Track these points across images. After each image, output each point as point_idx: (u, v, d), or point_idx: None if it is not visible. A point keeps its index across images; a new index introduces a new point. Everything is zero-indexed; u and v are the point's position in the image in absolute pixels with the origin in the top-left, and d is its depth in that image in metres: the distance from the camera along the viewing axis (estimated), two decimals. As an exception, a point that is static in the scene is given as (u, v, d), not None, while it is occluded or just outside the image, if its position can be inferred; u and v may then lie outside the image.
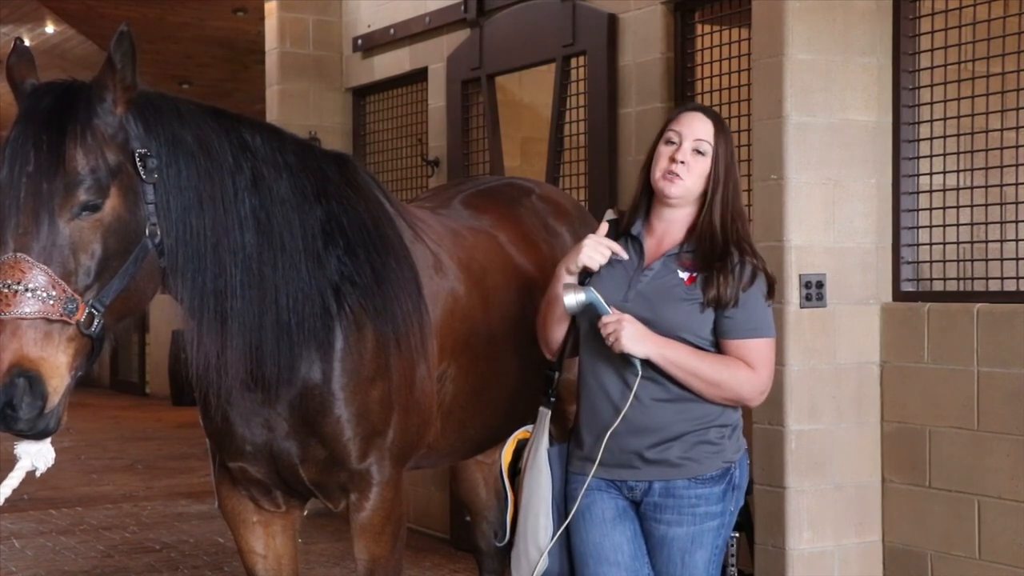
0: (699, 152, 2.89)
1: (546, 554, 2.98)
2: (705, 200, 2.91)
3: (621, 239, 2.99)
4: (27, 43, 2.91)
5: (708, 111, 3.00)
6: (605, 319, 2.84)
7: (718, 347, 2.89)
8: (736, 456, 2.95)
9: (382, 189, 3.42)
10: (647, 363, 2.83)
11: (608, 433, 2.87)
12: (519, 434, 3.17)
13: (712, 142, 2.90)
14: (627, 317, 2.82)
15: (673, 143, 2.91)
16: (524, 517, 3.03)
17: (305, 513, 3.45)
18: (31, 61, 2.78)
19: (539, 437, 3.06)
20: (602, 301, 2.86)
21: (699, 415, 2.87)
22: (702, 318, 2.86)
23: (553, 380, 3.10)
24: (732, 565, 4.20)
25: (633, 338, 2.80)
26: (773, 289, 2.93)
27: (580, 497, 2.93)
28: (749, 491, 4.32)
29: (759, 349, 2.86)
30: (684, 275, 2.88)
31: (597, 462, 2.89)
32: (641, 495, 2.92)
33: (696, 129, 2.90)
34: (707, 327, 2.87)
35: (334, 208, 3.13)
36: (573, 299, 2.87)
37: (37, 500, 7.74)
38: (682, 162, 2.88)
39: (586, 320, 2.95)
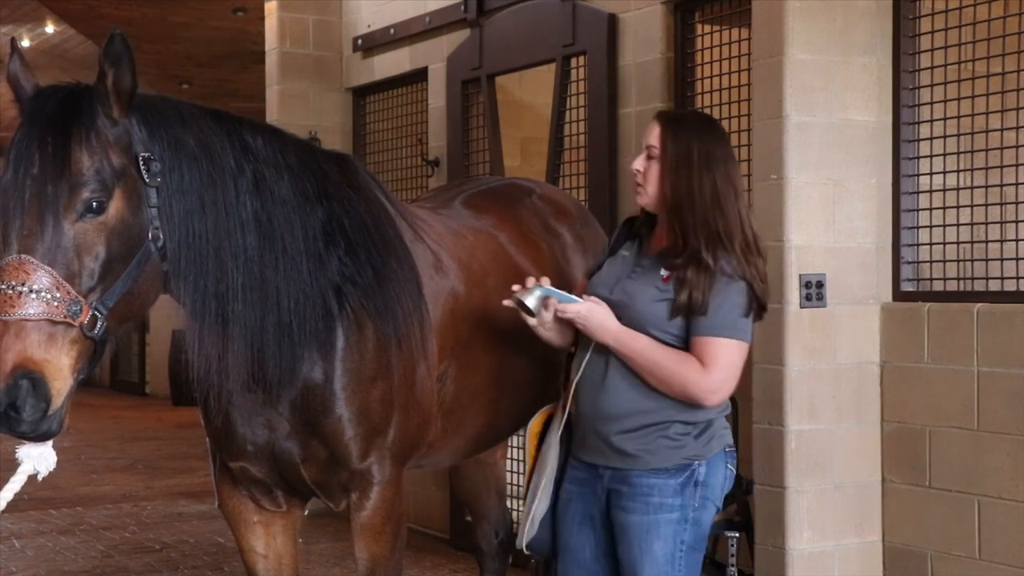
0: (651, 158, 2.97)
1: (538, 524, 3.16)
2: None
3: (633, 240, 3.12)
4: (26, 43, 2.92)
5: (662, 114, 3.07)
6: (565, 305, 2.95)
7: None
8: (704, 454, 2.96)
9: (383, 189, 3.43)
10: (605, 350, 2.95)
11: (568, 403, 3.04)
12: (548, 409, 3.27)
13: (659, 144, 2.96)
14: (591, 306, 2.95)
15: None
16: (533, 487, 3.18)
17: (306, 513, 3.45)
18: (27, 63, 2.79)
19: (558, 416, 3.16)
20: (556, 291, 3.01)
21: (661, 409, 2.92)
22: (671, 315, 2.91)
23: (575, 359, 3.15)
24: (732, 565, 4.22)
25: (598, 327, 2.93)
26: (758, 297, 2.91)
27: (564, 482, 3.12)
28: (749, 491, 4.35)
29: (715, 348, 2.87)
30: (664, 273, 2.95)
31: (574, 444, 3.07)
32: (608, 481, 3.01)
33: (648, 136, 3.00)
34: (676, 324, 2.92)
35: (335, 208, 3.13)
36: (531, 299, 3.00)
37: (37, 500, 7.74)
38: (638, 171, 3.00)
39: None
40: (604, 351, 2.97)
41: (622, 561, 3.00)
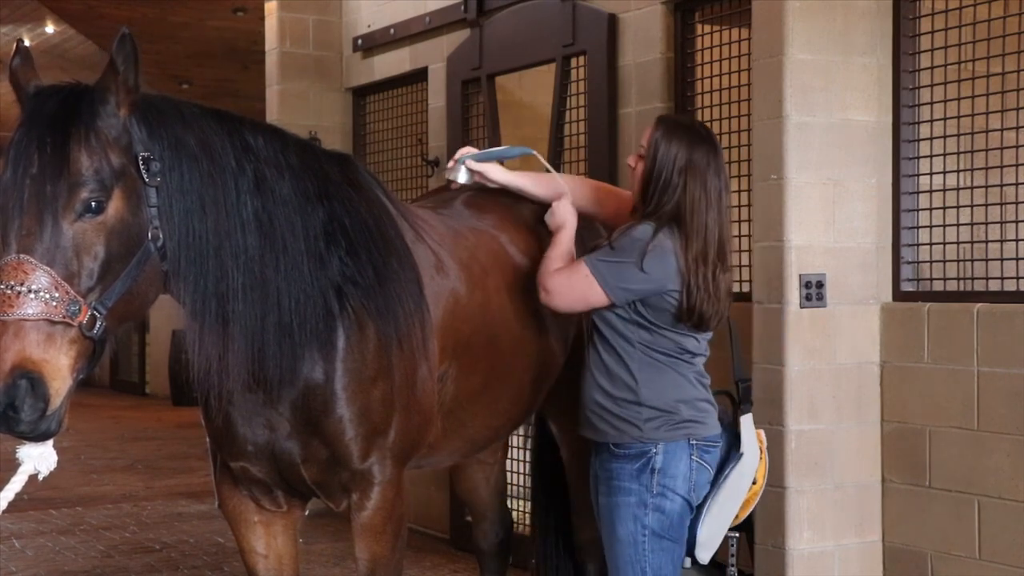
0: (641, 157, 3.24)
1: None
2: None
3: None
4: (27, 44, 2.92)
5: (661, 118, 3.33)
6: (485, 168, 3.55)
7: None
8: (656, 439, 3.14)
9: (383, 189, 3.42)
10: (590, 330, 3.25)
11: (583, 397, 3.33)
12: None
13: (646, 143, 3.22)
14: (565, 203, 3.43)
15: None
16: None
17: (306, 513, 3.45)
18: (32, 63, 2.79)
19: None
20: (492, 151, 3.63)
21: (611, 389, 3.18)
22: None
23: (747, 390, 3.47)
24: (732, 565, 4.21)
25: (557, 212, 3.42)
26: (691, 304, 3.12)
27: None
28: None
29: (572, 264, 3.26)
30: None
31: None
32: (594, 466, 3.30)
33: (643, 136, 3.27)
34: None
35: (336, 208, 3.13)
36: (461, 175, 3.55)
37: (37, 500, 7.74)
38: (631, 166, 3.29)
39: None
40: (593, 338, 3.25)
41: (603, 540, 3.27)
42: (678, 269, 3.09)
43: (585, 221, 4.24)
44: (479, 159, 3.56)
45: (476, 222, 3.75)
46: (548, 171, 3.64)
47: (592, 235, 4.15)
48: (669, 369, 3.16)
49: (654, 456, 3.14)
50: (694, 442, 3.17)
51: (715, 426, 3.24)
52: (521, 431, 5.39)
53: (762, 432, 3.44)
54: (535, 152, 3.72)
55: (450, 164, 3.60)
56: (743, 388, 3.43)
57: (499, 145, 5.91)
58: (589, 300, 3.16)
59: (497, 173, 3.60)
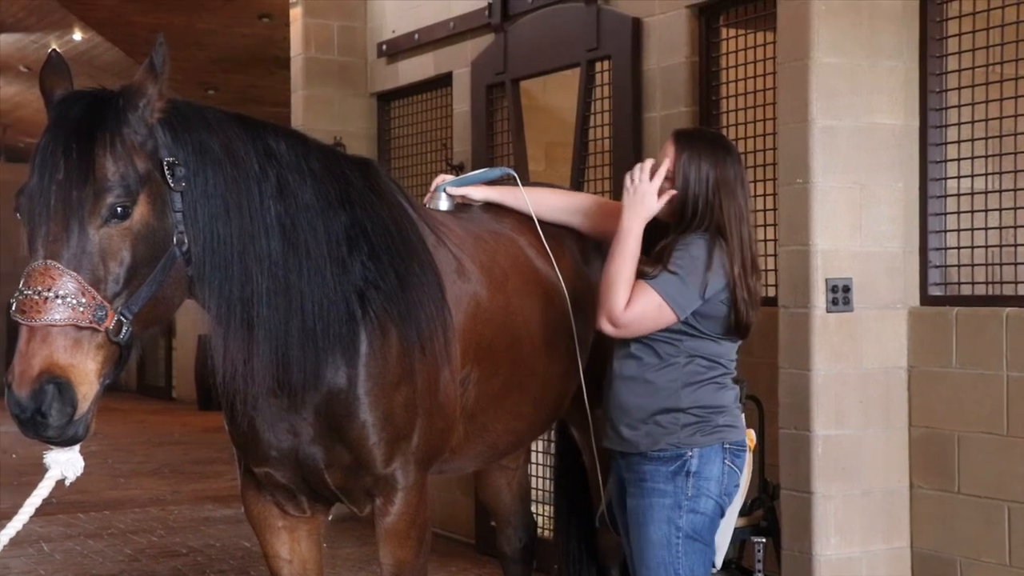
0: (668, 178, 3.20)
1: (604, 503, 3.51)
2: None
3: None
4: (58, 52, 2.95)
5: (677, 134, 3.28)
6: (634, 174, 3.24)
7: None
8: (690, 444, 3.15)
9: (404, 194, 3.43)
10: (625, 340, 3.19)
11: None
12: None
13: (671, 165, 3.19)
14: (651, 186, 3.18)
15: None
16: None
17: (330, 518, 3.45)
18: (64, 71, 2.80)
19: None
20: (472, 175, 3.75)
21: (652, 398, 3.17)
22: None
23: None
24: (759, 571, 4.19)
25: (635, 202, 3.19)
26: (739, 312, 3.14)
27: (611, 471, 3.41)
28: (775, 496, 4.33)
29: (638, 288, 3.14)
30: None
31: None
32: (621, 469, 3.30)
33: (663, 151, 3.24)
34: None
35: (358, 213, 3.14)
36: (442, 203, 3.65)
37: (65, 504, 7.79)
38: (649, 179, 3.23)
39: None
40: (621, 350, 3.22)
41: (631, 543, 3.24)
42: (727, 284, 3.13)
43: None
44: (458, 184, 3.70)
45: (495, 225, 3.74)
46: (519, 187, 3.72)
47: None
48: (711, 376, 3.19)
49: (690, 459, 3.15)
50: (727, 446, 3.20)
51: (744, 430, 3.29)
52: (544, 436, 5.37)
53: (752, 432, 3.49)
54: (513, 172, 3.83)
55: (428, 196, 3.70)
56: (743, 388, 3.53)
57: (518, 148, 5.90)
58: (660, 324, 3.15)
59: (477, 192, 3.71)
